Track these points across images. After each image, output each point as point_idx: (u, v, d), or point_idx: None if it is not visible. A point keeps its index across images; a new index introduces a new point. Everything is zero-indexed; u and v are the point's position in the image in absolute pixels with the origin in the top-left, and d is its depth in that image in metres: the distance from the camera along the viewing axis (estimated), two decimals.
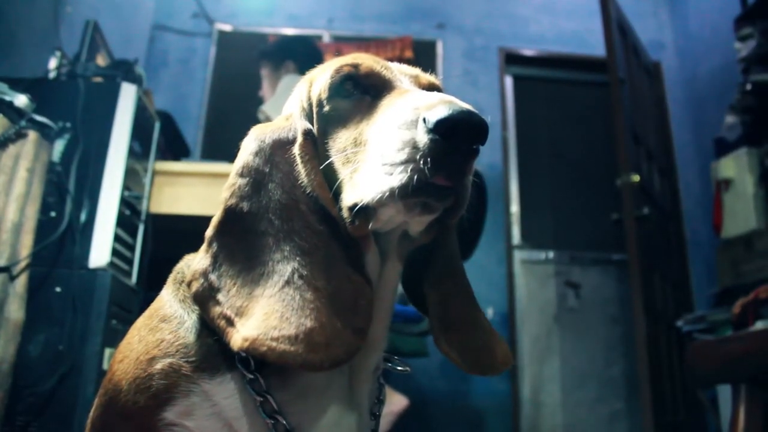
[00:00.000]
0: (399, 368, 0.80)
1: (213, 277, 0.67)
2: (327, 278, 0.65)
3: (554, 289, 4.86)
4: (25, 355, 1.83)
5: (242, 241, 0.68)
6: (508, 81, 4.94)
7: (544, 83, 5.10)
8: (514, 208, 4.84)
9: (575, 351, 4.90)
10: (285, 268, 0.65)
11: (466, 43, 4.84)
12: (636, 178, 3.70)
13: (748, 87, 3.75)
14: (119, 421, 0.69)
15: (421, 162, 0.60)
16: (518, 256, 4.80)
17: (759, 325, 2.81)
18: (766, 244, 3.83)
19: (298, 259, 0.65)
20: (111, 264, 1.96)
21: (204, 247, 0.70)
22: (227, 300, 0.65)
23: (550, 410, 4.85)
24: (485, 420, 4.89)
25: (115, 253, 1.99)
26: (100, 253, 1.94)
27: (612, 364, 4.89)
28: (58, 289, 1.90)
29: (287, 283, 0.64)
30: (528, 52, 4.93)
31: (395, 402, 3.28)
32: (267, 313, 0.62)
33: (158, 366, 0.67)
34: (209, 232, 0.70)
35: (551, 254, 4.86)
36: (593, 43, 4.60)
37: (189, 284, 0.68)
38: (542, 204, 4.97)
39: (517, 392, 4.80)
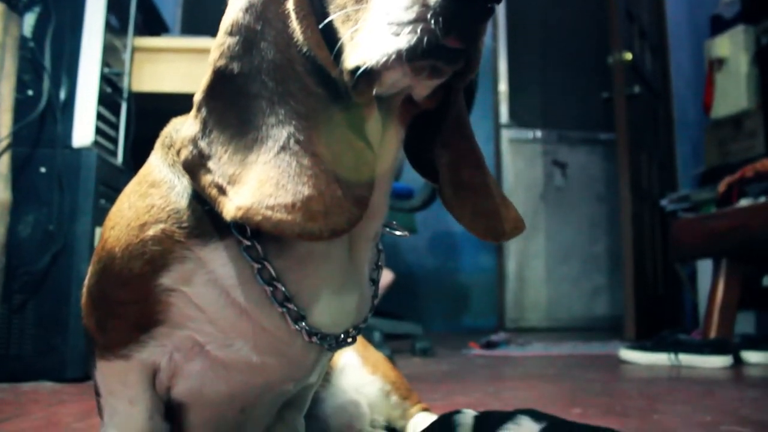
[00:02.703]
0: (398, 233, 0.79)
1: (203, 144, 0.63)
2: (326, 143, 0.61)
3: (541, 168, 4.89)
4: (15, 236, 1.84)
5: (233, 104, 0.64)
6: None
7: None
8: (503, 86, 4.76)
9: (560, 228, 5.00)
10: (280, 132, 0.61)
11: None
12: (628, 56, 3.63)
13: None
14: (116, 287, 0.68)
15: (432, 21, 0.55)
16: (506, 134, 4.77)
17: (743, 202, 2.86)
18: (755, 123, 3.83)
19: (294, 123, 0.61)
20: (95, 143, 1.92)
21: (192, 112, 0.66)
22: (218, 168, 0.61)
23: (535, 285, 5.01)
24: (471, 295, 5.04)
25: (98, 131, 1.94)
26: (83, 131, 1.90)
27: (596, 242, 5.02)
28: (43, 170, 1.87)
29: (283, 148, 0.60)
30: None
31: (381, 276, 3.36)
32: (261, 181, 0.59)
33: (150, 232, 0.65)
34: (197, 96, 0.66)
35: (539, 133, 4.84)
36: None
37: (178, 152, 0.64)
38: (531, 82, 4.89)
39: (502, 268, 4.94)
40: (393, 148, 0.72)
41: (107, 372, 0.73)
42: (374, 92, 0.62)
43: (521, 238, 4.99)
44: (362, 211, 0.61)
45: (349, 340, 0.73)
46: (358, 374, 1.05)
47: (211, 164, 0.62)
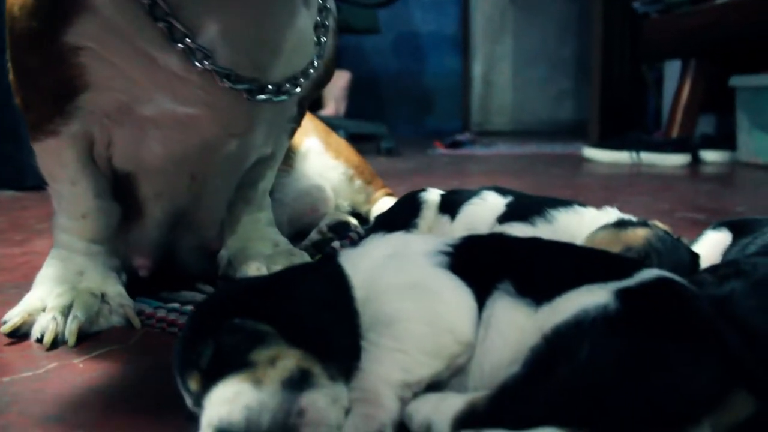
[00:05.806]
0: None
1: None
2: None
3: None
4: None
5: None
6: None
7: None
8: None
9: (528, 31, 4.88)
10: None
11: None
12: None
13: None
14: (25, 53, 0.66)
15: None
16: None
17: (719, 0, 2.76)
18: None
19: None
20: None
21: None
22: None
23: (501, 89, 4.98)
24: (436, 98, 5.00)
25: None
26: None
27: (564, 45, 4.93)
28: None
29: None
30: None
31: (338, 76, 3.32)
32: None
33: None
34: None
35: None
36: None
37: None
38: None
39: (468, 71, 4.87)
40: None
41: (43, 154, 0.72)
42: None
43: (488, 40, 4.88)
44: None
45: (289, 89, 0.69)
46: (321, 159, 1.04)
47: None
